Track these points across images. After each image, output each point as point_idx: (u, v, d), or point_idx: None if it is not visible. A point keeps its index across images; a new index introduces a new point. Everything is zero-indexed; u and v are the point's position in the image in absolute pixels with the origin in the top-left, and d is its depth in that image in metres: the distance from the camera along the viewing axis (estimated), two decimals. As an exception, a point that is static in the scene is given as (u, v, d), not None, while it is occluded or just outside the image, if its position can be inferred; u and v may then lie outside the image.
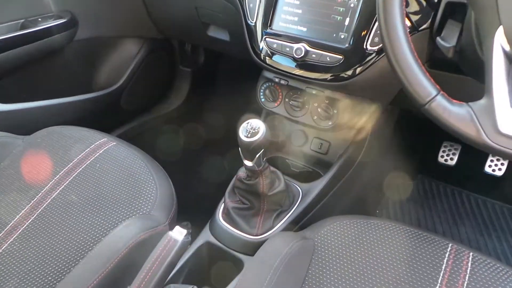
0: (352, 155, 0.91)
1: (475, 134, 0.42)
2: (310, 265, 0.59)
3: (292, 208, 0.79)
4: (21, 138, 0.86)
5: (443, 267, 0.58)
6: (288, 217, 0.77)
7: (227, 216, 0.77)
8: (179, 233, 0.55)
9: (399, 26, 0.46)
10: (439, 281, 0.56)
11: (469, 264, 0.58)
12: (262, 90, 0.89)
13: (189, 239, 0.57)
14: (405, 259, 0.59)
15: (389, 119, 1.02)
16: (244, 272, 0.63)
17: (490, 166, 1.02)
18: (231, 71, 1.49)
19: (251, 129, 0.65)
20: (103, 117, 1.24)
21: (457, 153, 1.07)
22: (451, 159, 1.07)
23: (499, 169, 1.01)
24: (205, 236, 0.77)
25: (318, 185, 0.84)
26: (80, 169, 0.75)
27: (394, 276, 0.57)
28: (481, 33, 0.45)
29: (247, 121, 0.66)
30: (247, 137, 0.65)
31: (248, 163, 0.68)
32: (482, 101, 0.43)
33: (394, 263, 0.59)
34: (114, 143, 0.80)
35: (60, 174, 0.74)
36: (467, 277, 0.56)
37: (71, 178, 0.73)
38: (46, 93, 1.09)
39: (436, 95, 0.45)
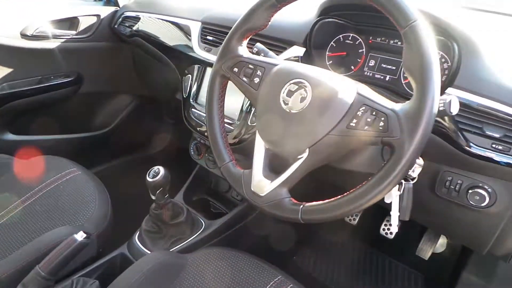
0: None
1: (241, 190, 0.67)
2: (176, 278, 0.82)
3: (190, 237, 1.03)
4: (19, 161, 1.19)
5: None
6: (183, 244, 1.01)
7: (140, 236, 1.03)
8: (80, 236, 0.83)
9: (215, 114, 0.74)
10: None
11: None
12: (192, 147, 1.18)
13: (87, 241, 0.84)
14: (239, 281, 0.81)
15: None
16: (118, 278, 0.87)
17: (383, 229, 1.20)
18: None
19: (155, 172, 0.93)
20: (94, 153, 1.57)
21: (359, 214, 1.27)
22: (354, 219, 1.26)
23: (391, 233, 1.19)
24: (122, 249, 1.03)
25: (220, 221, 1.08)
26: (50, 187, 1.05)
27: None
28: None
29: (155, 167, 0.94)
30: (150, 178, 0.92)
31: (153, 197, 0.95)
32: (248, 170, 0.68)
33: (229, 285, 0.80)
34: (80, 173, 1.10)
35: (35, 189, 1.05)
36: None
37: (42, 193, 1.04)
38: (51, 131, 1.45)
39: (227, 162, 0.71)
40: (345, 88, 0.59)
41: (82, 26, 1.40)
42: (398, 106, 0.55)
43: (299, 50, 0.90)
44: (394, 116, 0.54)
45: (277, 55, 0.89)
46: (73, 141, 1.51)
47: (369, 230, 1.24)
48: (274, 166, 0.66)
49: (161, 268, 0.83)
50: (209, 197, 1.24)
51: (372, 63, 0.87)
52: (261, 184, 0.64)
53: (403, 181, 0.62)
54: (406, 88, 0.81)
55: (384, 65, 0.85)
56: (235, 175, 0.69)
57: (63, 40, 1.36)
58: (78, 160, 1.16)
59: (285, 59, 0.85)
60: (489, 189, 0.73)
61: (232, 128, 1.00)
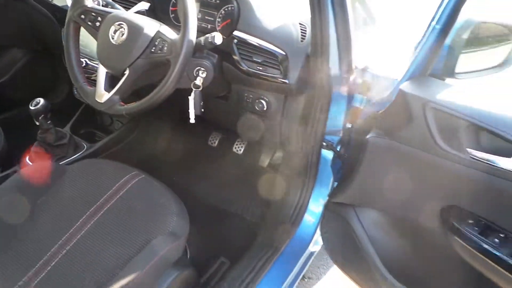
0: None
1: (89, 100, 0.97)
2: (56, 181, 1.07)
3: (73, 156, 1.32)
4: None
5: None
6: (67, 161, 1.29)
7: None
8: None
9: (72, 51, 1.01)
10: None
11: None
12: (75, 88, 1.44)
13: None
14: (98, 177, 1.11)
15: None
16: None
17: (235, 148, 1.59)
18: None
19: (36, 102, 1.19)
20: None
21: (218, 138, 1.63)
22: (239, 150, 1.61)
23: (240, 150, 1.58)
24: (16, 167, 1.28)
25: (100, 143, 1.37)
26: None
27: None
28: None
29: (36, 99, 1.20)
30: (32, 106, 1.18)
31: (37, 123, 1.21)
32: (94, 88, 0.98)
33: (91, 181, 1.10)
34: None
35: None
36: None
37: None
38: None
39: (81, 83, 1.00)
40: (149, 27, 0.91)
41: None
42: (175, 38, 0.88)
43: (145, 5, 1.19)
44: (172, 43, 0.87)
45: (128, 9, 1.17)
46: None
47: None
48: (112, 82, 0.97)
49: (40, 173, 1.10)
50: (94, 130, 1.52)
51: (199, 15, 1.19)
52: (102, 94, 0.95)
53: (193, 88, 0.96)
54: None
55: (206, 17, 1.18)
56: (86, 91, 0.99)
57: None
58: None
59: (134, 12, 1.14)
60: (266, 99, 1.11)
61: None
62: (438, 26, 0.78)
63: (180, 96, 0.96)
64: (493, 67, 0.88)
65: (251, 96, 1.13)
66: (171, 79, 0.86)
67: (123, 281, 0.83)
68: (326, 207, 1.13)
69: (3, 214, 0.95)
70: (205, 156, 1.63)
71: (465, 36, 0.82)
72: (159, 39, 0.89)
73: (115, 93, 0.94)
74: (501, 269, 0.74)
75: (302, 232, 1.31)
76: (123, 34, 0.91)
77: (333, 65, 0.98)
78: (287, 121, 1.16)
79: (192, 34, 0.85)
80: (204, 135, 1.65)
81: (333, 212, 1.10)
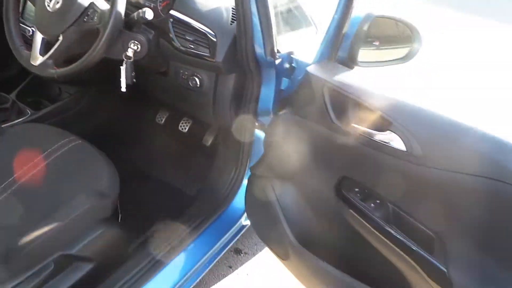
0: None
1: (24, 64, 1.04)
2: None
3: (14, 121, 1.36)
4: None
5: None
6: (7, 125, 1.34)
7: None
8: None
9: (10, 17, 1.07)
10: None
11: None
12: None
13: None
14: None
15: None
16: None
17: (180, 127, 1.67)
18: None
19: None
20: None
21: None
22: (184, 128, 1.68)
23: (184, 129, 1.67)
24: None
25: (44, 110, 1.42)
26: None
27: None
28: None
29: None
30: None
31: None
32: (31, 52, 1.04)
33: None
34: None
35: None
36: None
37: None
38: None
39: (18, 46, 1.06)
40: (82, -1, 0.98)
41: None
42: (106, 9, 0.96)
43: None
44: (102, 13, 0.95)
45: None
46: None
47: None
48: (47, 48, 1.03)
49: None
50: (42, 99, 1.56)
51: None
52: (36, 58, 1.02)
53: (125, 58, 1.04)
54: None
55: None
56: (22, 54, 1.05)
57: None
58: None
59: None
60: (200, 76, 1.20)
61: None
62: (336, 16, 0.89)
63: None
64: (392, 60, 1.01)
65: (186, 73, 1.21)
66: (99, 46, 0.93)
67: (42, 231, 0.91)
68: (249, 180, 1.23)
69: None
70: (151, 132, 1.70)
71: (365, 28, 0.94)
72: (91, 10, 0.96)
73: (48, 58, 1.00)
74: (373, 229, 0.86)
75: (235, 206, 1.41)
76: (58, 2, 0.97)
77: (258, 48, 1.08)
78: (219, 99, 1.25)
79: (120, 6, 0.93)
80: (153, 112, 1.72)
81: (254, 185, 1.21)
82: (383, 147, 0.81)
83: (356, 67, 0.98)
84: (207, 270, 1.35)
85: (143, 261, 1.13)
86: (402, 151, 0.77)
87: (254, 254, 1.75)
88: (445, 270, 0.75)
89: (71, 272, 1.01)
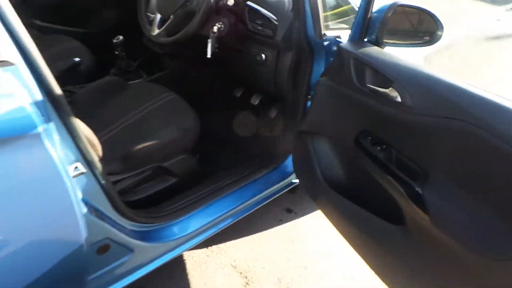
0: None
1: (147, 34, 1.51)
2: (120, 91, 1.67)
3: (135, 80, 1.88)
4: None
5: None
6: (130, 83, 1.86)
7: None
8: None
9: None
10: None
11: None
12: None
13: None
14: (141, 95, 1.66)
15: None
16: None
17: (252, 100, 2.05)
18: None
19: (117, 38, 1.76)
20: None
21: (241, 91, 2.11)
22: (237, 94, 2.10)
23: (255, 102, 2.04)
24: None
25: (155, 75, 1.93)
26: None
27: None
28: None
29: None
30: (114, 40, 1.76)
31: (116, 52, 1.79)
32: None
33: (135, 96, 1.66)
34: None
35: None
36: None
37: None
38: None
39: (145, 22, 1.54)
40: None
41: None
42: None
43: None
44: (199, 1, 1.37)
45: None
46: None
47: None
48: (161, 25, 1.49)
49: (111, 84, 1.67)
50: (153, 68, 2.08)
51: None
52: (155, 30, 1.49)
53: (211, 33, 1.45)
54: None
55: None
56: (147, 28, 1.53)
57: None
58: None
59: None
60: (265, 53, 1.56)
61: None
62: (362, 3, 1.17)
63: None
64: (417, 43, 1.25)
65: (255, 50, 1.59)
66: (195, 23, 1.35)
67: (147, 146, 1.36)
68: (295, 136, 1.55)
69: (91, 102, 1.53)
70: (227, 101, 2.12)
71: (389, 14, 1.20)
72: (192, -3, 1.40)
73: (163, 30, 1.46)
74: (378, 167, 1.11)
75: (288, 164, 1.74)
76: (172, -7, 1.43)
77: (310, 31, 1.40)
78: (279, 72, 1.59)
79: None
80: (232, 87, 2.14)
81: (298, 139, 1.52)
82: (386, 100, 1.07)
83: (381, 46, 1.25)
84: (261, 205, 1.69)
85: (212, 185, 1.53)
86: (399, 102, 1.03)
87: (302, 215, 2.06)
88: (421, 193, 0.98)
89: (161, 181, 1.45)
